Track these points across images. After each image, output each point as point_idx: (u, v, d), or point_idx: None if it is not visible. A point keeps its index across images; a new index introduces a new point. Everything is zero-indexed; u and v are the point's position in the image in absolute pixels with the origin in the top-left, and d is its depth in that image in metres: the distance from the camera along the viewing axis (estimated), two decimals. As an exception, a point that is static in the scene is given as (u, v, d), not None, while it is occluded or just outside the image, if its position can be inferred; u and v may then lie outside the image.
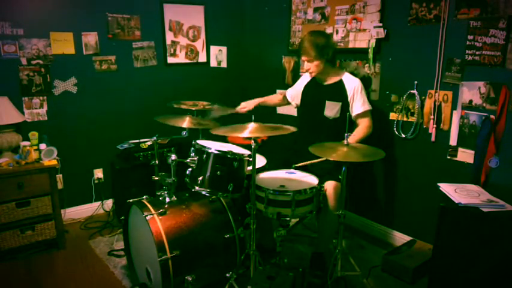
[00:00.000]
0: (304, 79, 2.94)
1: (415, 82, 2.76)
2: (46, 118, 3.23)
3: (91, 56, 3.34)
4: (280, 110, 3.83)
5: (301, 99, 2.93)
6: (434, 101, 2.67)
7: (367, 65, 3.03)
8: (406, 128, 2.88)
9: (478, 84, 2.44)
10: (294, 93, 3.02)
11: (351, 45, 3.11)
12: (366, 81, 2.98)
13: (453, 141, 2.61)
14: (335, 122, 2.68)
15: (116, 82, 3.50)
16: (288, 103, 3.12)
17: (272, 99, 3.19)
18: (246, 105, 3.01)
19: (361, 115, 2.65)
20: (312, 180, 2.37)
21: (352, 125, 2.71)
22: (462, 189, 2.27)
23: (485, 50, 2.37)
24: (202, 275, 2.27)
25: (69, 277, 2.64)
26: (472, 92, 2.48)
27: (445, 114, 2.64)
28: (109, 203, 3.65)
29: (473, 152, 2.50)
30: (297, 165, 2.48)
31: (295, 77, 3.63)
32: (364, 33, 3.01)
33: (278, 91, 3.83)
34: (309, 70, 2.71)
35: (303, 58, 2.68)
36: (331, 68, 2.72)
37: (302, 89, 2.91)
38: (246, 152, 2.37)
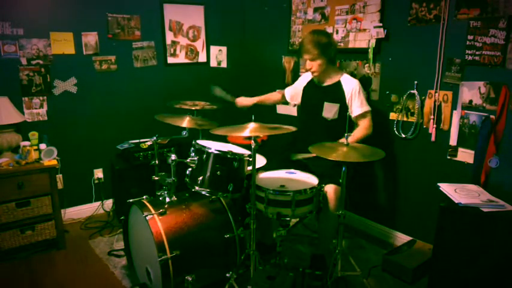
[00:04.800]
0: (304, 79, 2.93)
1: (415, 82, 2.76)
2: (46, 118, 3.23)
3: (91, 56, 3.34)
4: (280, 110, 3.82)
5: (301, 100, 2.92)
6: (434, 101, 2.67)
7: (367, 65, 3.03)
8: (406, 128, 2.88)
9: (478, 84, 2.44)
10: (293, 92, 3.01)
11: (351, 45, 3.11)
12: (365, 81, 2.98)
13: (453, 141, 2.61)
14: (334, 123, 2.67)
15: (116, 82, 3.50)
16: (286, 102, 3.11)
17: (270, 97, 3.20)
18: (243, 101, 3.08)
19: (361, 116, 2.65)
20: (312, 180, 2.37)
21: (352, 125, 2.71)
22: (462, 189, 2.27)
23: (485, 50, 2.37)
24: (203, 275, 2.27)
25: (69, 277, 2.64)
26: (472, 92, 2.48)
27: (445, 114, 2.64)
28: (109, 203, 3.65)
29: (473, 152, 2.50)
30: (297, 157, 2.47)
31: (295, 77, 3.63)
32: (364, 33, 3.01)
33: (277, 91, 3.84)
34: (311, 69, 2.68)
35: (305, 57, 2.65)
36: (332, 68, 2.72)
37: (302, 89, 2.91)
38: (246, 152, 2.37)
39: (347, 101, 2.64)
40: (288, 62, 3.73)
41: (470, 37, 2.43)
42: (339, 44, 3.15)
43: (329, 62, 2.67)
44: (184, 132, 2.84)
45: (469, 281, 2.11)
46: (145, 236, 2.23)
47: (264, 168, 2.58)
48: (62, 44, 3.20)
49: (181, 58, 3.83)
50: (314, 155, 2.35)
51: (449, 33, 2.54)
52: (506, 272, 2.00)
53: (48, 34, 3.13)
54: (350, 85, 2.65)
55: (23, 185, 2.78)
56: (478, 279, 2.08)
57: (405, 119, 2.87)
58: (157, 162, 2.62)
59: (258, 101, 3.10)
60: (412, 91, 2.78)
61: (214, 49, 4.03)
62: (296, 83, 3.03)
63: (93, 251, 2.96)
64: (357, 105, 2.63)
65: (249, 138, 2.14)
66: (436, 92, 2.66)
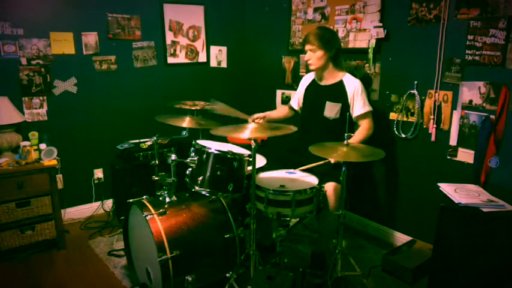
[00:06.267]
0: (305, 82, 2.93)
1: (415, 82, 2.76)
2: (46, 118, 3.23)
3: (91, 56, 3.34)
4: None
5: (303, 100, 2.92)
6: (434, 101, 2.67)
7: (367, 65, 3.03)
8: (406, 128, 2.88)
9: (478, 84, 2.44)
10: (298, 98, 2.99)
11: (351, 45, 3.11)
12: (366, 81, 2.98)
13: (453, 141, 2.61)
14: (335, 123, 2.67)
15: (116, 82, 3.50)
16: (296, 112, 3.05)
17: (277, 113, 3.10)
18: (257, 120, 2.84)
19: (362, 116, 2.65)
20: (312, 180, 2.37)
21: (353, 125, 2.71)
22: (462, 189, 2.27)
23: (485, 50, 2.37)
24: (202, 275, 2.27)
25: (69, 277, 2.64)
26: (472, 92, 2.48)
27: (445, 114, 2.64)
28: (109, 203, 3.65)
29: (473, 152, 2.50)
30: (302, 167, 2.46)
31: (295, 77, 3.64)
32: (364, 33, 3.01)
33: (278, 91, 3.84)
34: (309, 61, 2.68)
35: (306, 47, 2.66)
36: (333, 66, 2.71)
37: (304, 91, 2.90)
38: (246, 152, 2.37)
39: (349, 101, 2.64)
40: (288, 62, 3.73)
41: (470, 37, 2.43)
42: (339, 44, 3.15)
43: (330, 59, 2.66)
44: (184, 132, 2.83)
45: (469, 281, 2.11)
46: (145, 236, 2.23)
47: (265, 168, 2.58)
48: (62, 44, 3.20)
49: (181, 58, 3.83)
50: (320, 163, 2.36)
51: (449, 33, 2.54)
52: (506, 272, 2.00)
53: (48, 34, 3.13)
54: (352, 85, 2.65)
55: (23, 185, 2.78)
56: (478, 279, 2.08)
57: (405, 119, 2.87)
58: (157, 162, 2.62)
59: (270, 118, 2.94)
60: (412, 91, 2.78)
61: (214, 49, 4.03)
62: (298, 88, 3.01)
63: (93, 251, 2.96)
64: (359, 105, 2.63)
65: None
66: (436, 92, 2.66)
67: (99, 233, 3.23)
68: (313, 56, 2.64)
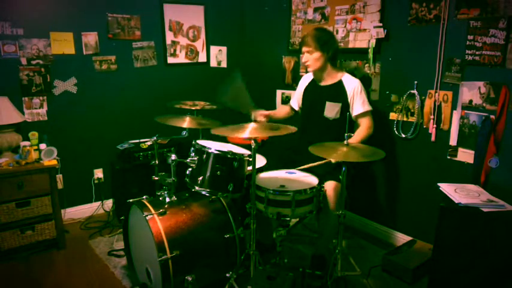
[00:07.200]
0: (304, 82, 2.93)
1: (415, 82, 2.76)
2: (46, 118, 3.23)
3: (91, 56, 3.34)
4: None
5: (302, 101, 2.92)
6: (434, 101, 2.67)
7: (367, 65, 3.03)
8: (406, 128, 2.88)
9: (478, 84, 2.44)
10: (297, 98, 2.99)
11: (351, 45, 3.11)
12: (366, 81, 2.98)
13: (453, 141, 2.61)
14: (335, 123, 2.67)
15: (116, 82, 3.50)
16: (296, 112, 3.06)
17: (279, 112, 3.10)
18: (261, 117, 2.84)
19: (362, 115, 2.65)
20: (312, 180, 2.37)
21: (353, 125, 2.71)
22: (462, 189, 2.27)
23: (485, 50, 2.37)
24: (202, 275, 2.27)
25: (69, 277, 2.64)
26: (472, 92, 2.48)
27: (445, 114, 2.64)
28: (109, 203, 3.65)
29: (473, 152, 2.50)
30: (300, 167, 2.47)
31: (295, 77, 3.64)
32: (364, 33, 3.01)
33: (278, 91, 3.84)
34: (306, 62, 2.68)
35: (303, 49, 2.67)
36: (331, 67, 2.71)
37: (303, 91, 2.91)
38: (246, 152, 2.37)
39: (349, 100, 2.64)
40: (288, 62, 3.73)
41: (470, 37, 2.43)
42: (339, 44, 3.15)
43: (328, 60, 2.66)
44: (184, 132, 2.84)
45: (469, 281, 2.11)
46: (145, 236, 2.23)
47: (265, 168, 2.57)
48: (62, 44, 3.20)
49: (181, 58, 3.83)
50: (319, 162, 2.36)
51: (449, 33, 2.54)
52: (506, 272, 2.01)
53: (48, 34, 3.13)
54: (352, 84, 2.65)
55: (23, 185, 2.78)
56: (478, 279, 2.08)
57: (405, 119, 2.87)
58: (157, 162, 2.63)
59: (273, 116, 2.94)
60: (412, 91, 2.78)
61: (214, 49, 4.03)
62: (297, 88, 3.01)
63: (93, 251, 2.96)
64: (359, 104, 2.63)
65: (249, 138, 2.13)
66: (436, 92, 2.66)
67: (99, 233, 3.23)
68: (311, 57, 2.64)
